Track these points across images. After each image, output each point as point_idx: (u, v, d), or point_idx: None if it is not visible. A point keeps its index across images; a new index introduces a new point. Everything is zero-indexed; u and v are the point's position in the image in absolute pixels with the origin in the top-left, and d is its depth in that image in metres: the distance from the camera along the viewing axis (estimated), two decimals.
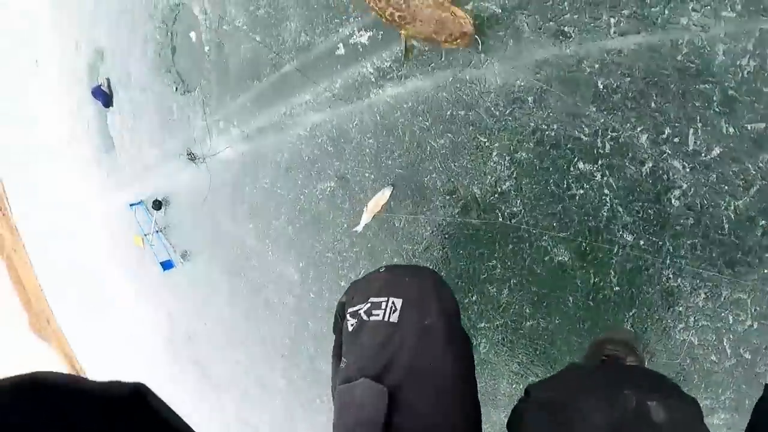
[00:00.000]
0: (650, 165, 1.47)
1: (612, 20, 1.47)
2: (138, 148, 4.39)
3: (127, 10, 3.89)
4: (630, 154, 1.49)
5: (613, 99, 1.49)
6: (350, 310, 1.13)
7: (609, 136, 1.52)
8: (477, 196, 1.93)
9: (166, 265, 4.36)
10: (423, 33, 1.70)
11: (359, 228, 2.37)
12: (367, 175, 2.34)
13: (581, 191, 1.62)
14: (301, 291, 3.09)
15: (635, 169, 1.49)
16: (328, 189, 2.58)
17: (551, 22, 1.59)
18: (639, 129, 1.46)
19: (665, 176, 1.45)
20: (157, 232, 4.43)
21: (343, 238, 2.62)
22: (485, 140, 1.85)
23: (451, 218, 2.06)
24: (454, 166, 1.98)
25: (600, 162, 1.55)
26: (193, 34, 3.17)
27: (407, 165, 2.16)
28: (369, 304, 1.09)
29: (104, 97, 4.47)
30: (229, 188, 3.36)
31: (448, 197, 2.05)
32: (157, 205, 4.25)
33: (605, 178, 1.55)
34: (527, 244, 1.82)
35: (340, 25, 2.21)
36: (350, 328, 1.09)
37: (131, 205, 4.53)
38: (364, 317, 1.09)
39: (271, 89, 2.70)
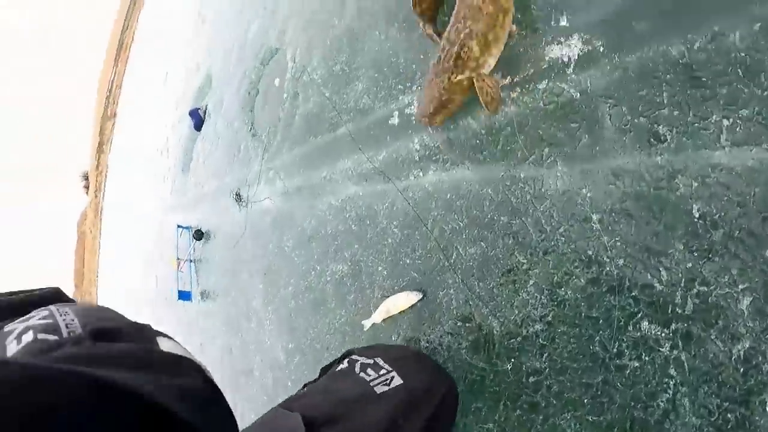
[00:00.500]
0: (747, 345, 0.99)
1: (725, 122, 1.03)
2: (205, 175, 4.40)
3: (241, 44, 4.03)
4: (720, 324, 1.02)
5: (712, 237, 1.05)
6: (353, 357, 1.08)
7: (695, 291, 1.05)
8: (495, 332, 1.47)
9: (183, 296, 4.17)
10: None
11: (367, 324, 1.94)
12: (380, 269, 1.95)
13: (636, 363, 1.14)
14: (281, 374, 2.66)
15: (723, 348, 1.01)
16: (339, 273, 2.21)
17: (642, 118, 1.17)
18: (741, 288, 1.00)
19: (765, 367, 0.94)
20: (191, 261, 4.28)
21: (336, 333, 2.19)
22: (524, 261, 1.40)
23: (455, 351, 1.58)
24: (478, 285, 1.54)
25: (674, 326, 1.10)
26: (277, 80, 3.12)
27: (425, 270, 1.74)
28: (372, 362, 1.05)
29: (198, 120, 4.61)
30: (257, 240, 3.13)
31: (459, 323, 1.59)
32: (199, 235, 4.14)
33: (676, 352, 1.09)
34: (541, 417, 1.30)
35: (402, 92, 1.94)
36: (338, 368, 1.04)
37: (179, 226, 4.46)
38: (357, 369, 1.03)
39: (322, 149, 2.47)
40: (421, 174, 1.83)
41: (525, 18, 1.57)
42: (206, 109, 4.64)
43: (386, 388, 1.02)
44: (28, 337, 0.52)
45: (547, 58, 1.49)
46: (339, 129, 2.34)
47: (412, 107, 1.88)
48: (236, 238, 3.46)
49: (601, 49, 1.35)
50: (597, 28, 1.37)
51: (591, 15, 1.40)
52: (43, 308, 0.60)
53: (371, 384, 1.02)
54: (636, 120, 1.20)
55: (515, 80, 1.58)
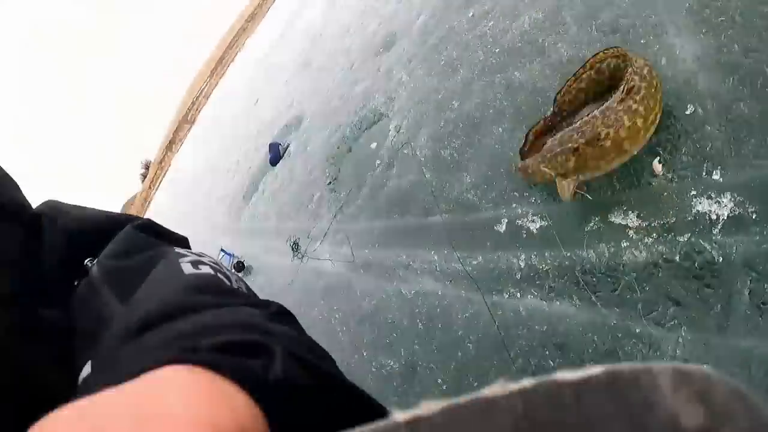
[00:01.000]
0: None
1: None
2: (266, 211, 4.33)
3: (344, 96, 4.05)
4: None
5: None
6: None
7: None
8: None
9: None
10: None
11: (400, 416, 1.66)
12: (439, 381, 1.72)
13: None
14: None
15: None
16: (388, 368, 1.97)
17: None
18: None
19: None
20: None
21: None
22: None
23: None
24: None
25: None
26: (374, 145, 3.04)
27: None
28: None
29: (275, 155, 4.62)
30: (302, 297, 2.94)
31: None
32: (240, 267, 4.02)
33: None
34: None
35: (516, 200, 1.77)
36: None
37: (222, 250, 4.35)
38: None
39: (407, 231, 2.32)
40: (518, 294, 1.62)
41: (672, 160, 1.42)
42: (287, 147, 4.65)
43: None
44: (206, 269, 0.47)
45: (693, 211, 1.33)
46: (432, 216, 2.18)
47: (525, 220, 1.70)
48: (279, 287, 3.29)
49: (754, 216, 1.21)
50: (753, 192, 1.24)
51: (746, 176, 1.27)
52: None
53: None
54: None
55: (653, 224, 1.40)
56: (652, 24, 1.71)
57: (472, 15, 3.06)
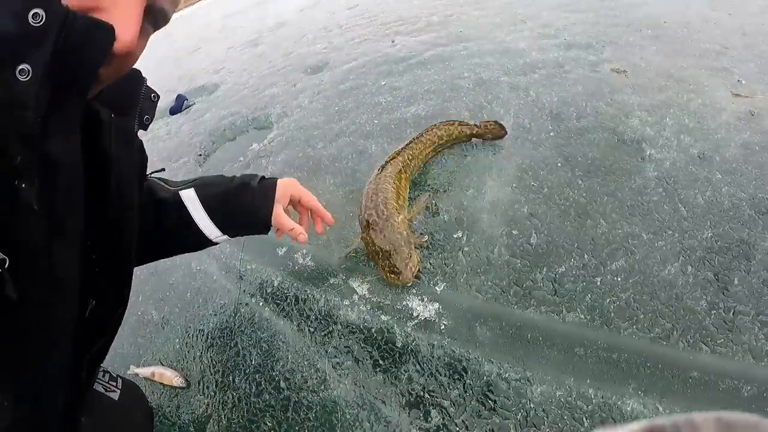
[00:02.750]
0: None
1: None
2: None
3: (263, 94, 4.23)
4: None
5: None
6: None
7: None
8: None
9: None
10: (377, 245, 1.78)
11: (136, 369, 1.84)
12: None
13: None
14: None
15: None
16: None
17: None
18: None
19: None
20: None
21: None
22: None
23: None
24: None
25: None
26: (254, 146, 3.27)
27: None
28: None
29: (177, 106, 4.67)
30: None
31: None
32: None
33: None
34: None
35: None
36: None
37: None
38: None
39: None
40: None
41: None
42: (191, 105, 4.71)
43: None
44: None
45: (404, 303, 1.73)
46: None
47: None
48: None
49: (442, 327, 1.58)
50: (454, 312, 1.63)
51: (460, 301, 1.69)
52: None
53: None
54: None
55: (373, 298, 1.78)
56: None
57: (384, 84, 3.49)
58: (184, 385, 1.73)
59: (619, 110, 2.54)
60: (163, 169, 1.51)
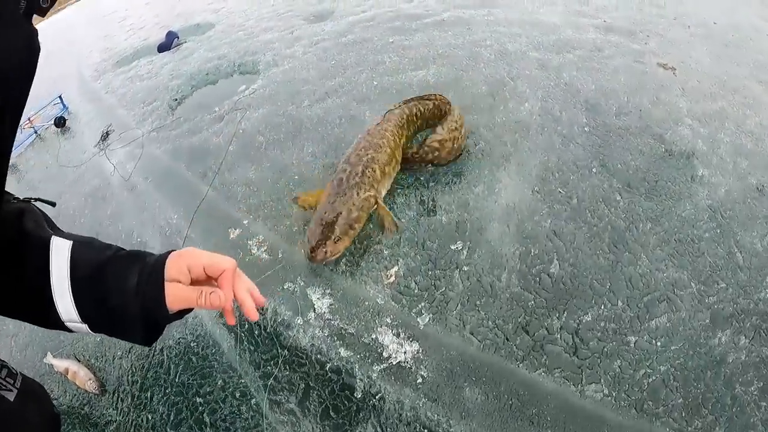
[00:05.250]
0: None
1: None
2: (117, 87, 3.68)
3: (257, 39, 3.59)
4: None
5: None
6: None
7: None
8: None
9: None
10: None
11: (51, 360, 1.45)
12: None
13: None
14: None
15: None
16: None
17: None
18: None
19: None
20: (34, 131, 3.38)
21: None
22: None
23: None
24: None
25: None
26: (243, 88, 2.68)
27: None
28: None
29: (167, 44, 4.06)
30: (67, 188, 2.45)
31: None
32: (61, 122, 3.32)
33: None
34: None
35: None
36: None
37: (60, 98, 3.58)
38: None
39: (184, 186, 2.01)
40: None
41: (408, 286, 1.34)
42: (181, 44, 4.06)
43: None
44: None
45: (374, 336, 1.25)
46: (205, 187, 1.91)
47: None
48: (67, 162, 2.76)
49: (419, 380, 1.10)
50: (436, 360, 1.16)
51: (450, 349, 1.19)
52: None
53: None
54: None
55: (338, 324, 1.28)
56: None
57: (393, 42, 2.87)
58: (97, 391, 1.34)
59: (667, 113, 1.98)
60: (54, 204, 1.00)
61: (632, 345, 1.17)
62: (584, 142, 1.78)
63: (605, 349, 1.16)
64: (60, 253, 0.79)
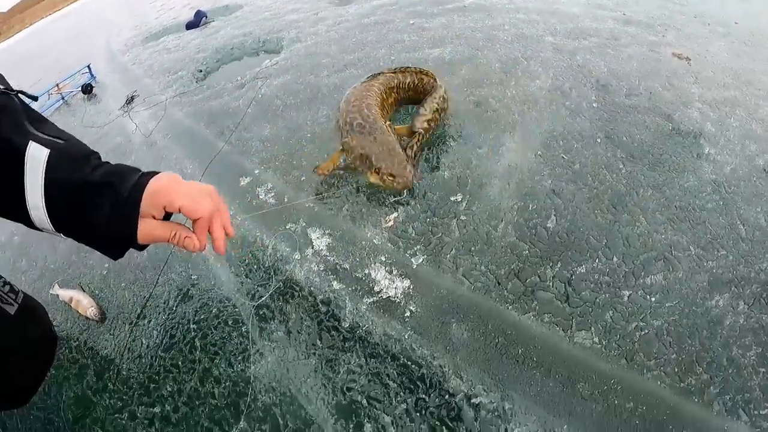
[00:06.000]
0: None
1: None
2: (145, 58, 3.76)
3: (282, 19, 3.63)
4: None
5: None
6: None
7: None
8: None
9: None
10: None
11: (57, 290, 1.49)
12: None
13: None
14: None
15: None
16: None
17: None
18: None
19: None
20: (61, 98, 3.47)
21: None
22: None
23: None
24: None
25: None
26: (267, 62, 2.71)
27: None
28: None
29: (195, 21, 4.16)
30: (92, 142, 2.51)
31: None
32: (88, 89, 3.39)
33: None
34: None
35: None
36: None
37: (88, 68, 3.69)
38: None
39: (205, 143, 2.04)
40: None
41: (405, 232, 1.33)
42: (209, 22, 4.14)
43: None
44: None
45: (372, 275, 1.23)
46: (220, 144, 1.94)
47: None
48: (92, 123, 2.83)
49: (407, 314, 1.08)
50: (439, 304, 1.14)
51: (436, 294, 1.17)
52: None
53: None
54: None
55: (330, 258, 1.29)
56: None
57: (413, 23, 2.88)
58: (97, 318, 1.36)
59: (677, 97, 1.95)
60: (36, 98, 0.93)
61: (626, 299, 1.15)
62: (591, 116, 1.76)
63: (597, 300, 1.14)
64: (35, 167, 0.74)
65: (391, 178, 1.34)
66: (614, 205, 1.38)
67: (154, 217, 0.77)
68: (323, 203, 1.47)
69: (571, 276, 1.18)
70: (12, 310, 1.13)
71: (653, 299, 1.15)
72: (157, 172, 0.79)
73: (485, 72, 2.09)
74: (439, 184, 1.46)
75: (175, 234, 0.79)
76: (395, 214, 1.36)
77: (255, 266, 1.33)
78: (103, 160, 0.81)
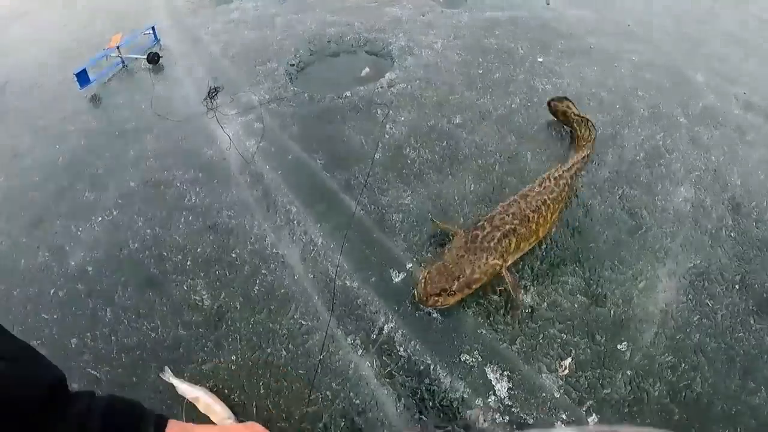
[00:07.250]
0: None
1: None
2: (233, 19, 3.43)
3: (379, 16, 3.32)
4: None
5: None
6: None
7: None
8: None
9: (82, 80, 2.76)
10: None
11: (169, 377, 1.38)
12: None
13: None
14: None
15: None
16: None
17: None
18: None
19: None
20: (122, 62, 3.10)
21: None
22: None
23: None
24: None
25: None
26: (366, 71, 2.57)
27: None
28: None
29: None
30: (172, 147, 2.38)
31: None
32: (155, 58, 3.01)
33: None
34: None
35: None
36: None
37: (153, 28, 3.26)
38: None
39: (308, 174, 2.00)
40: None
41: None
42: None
43: None
44: None
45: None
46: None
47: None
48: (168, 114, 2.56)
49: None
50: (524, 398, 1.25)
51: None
52: None
53: None
54: None
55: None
56: None
57: (542, 62, 2.72)
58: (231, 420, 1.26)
59: None
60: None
61: None
62: (729, 251, 1.75)
63: None
64: None
65: (417, 286, 1.47)
66: (746, 371, 1.44)
67: None
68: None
69: None
70: None
71: None
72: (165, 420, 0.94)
73: (630, 164, 2.04)
74: (598, 321, 1.51)
75: None
76: (569, 360, 1.43)
77: (430, 401, 1.33)
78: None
